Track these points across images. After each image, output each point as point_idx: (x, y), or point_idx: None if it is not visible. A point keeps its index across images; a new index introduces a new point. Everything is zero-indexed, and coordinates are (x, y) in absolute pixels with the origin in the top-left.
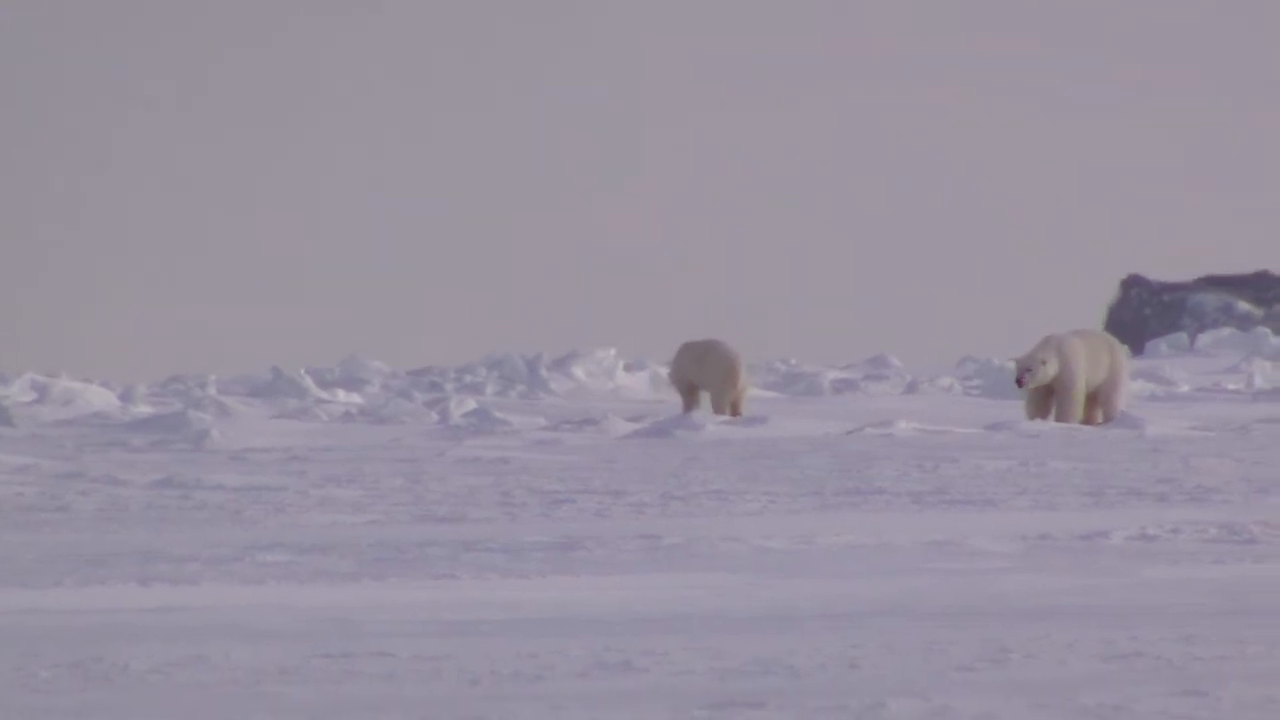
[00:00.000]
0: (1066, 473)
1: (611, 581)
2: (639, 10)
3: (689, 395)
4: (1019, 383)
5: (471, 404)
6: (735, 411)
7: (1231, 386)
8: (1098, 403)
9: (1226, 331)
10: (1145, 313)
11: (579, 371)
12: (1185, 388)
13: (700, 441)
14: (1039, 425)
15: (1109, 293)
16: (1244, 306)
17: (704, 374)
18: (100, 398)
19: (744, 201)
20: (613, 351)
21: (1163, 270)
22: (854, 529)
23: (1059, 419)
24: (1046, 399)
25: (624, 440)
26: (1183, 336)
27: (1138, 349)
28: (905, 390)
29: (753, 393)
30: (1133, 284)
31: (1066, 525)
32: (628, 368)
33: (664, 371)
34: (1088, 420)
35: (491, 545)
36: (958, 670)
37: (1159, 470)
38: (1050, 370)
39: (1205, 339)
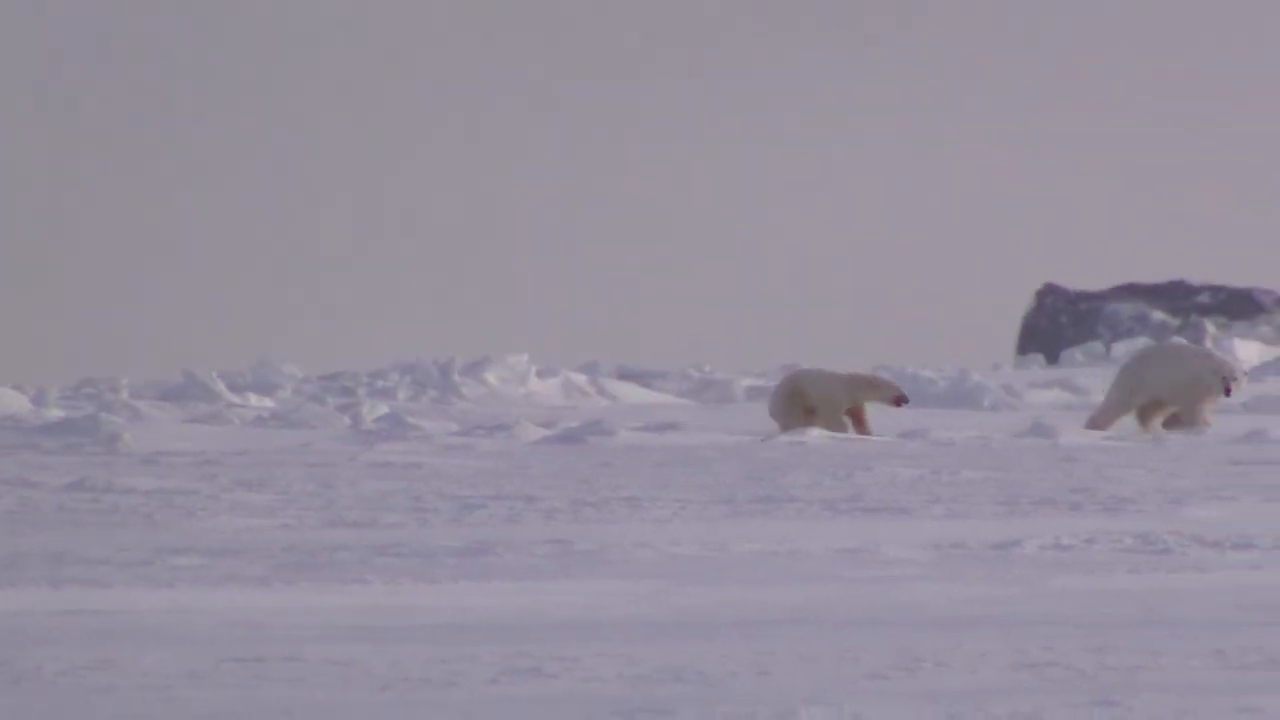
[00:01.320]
0: (980, 482)
1: (522, 587)
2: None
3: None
4: (1227, 392)
5: (383, 409)
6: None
7: None
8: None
9: (1142, 341)
10: (1060, 321)
11: (491, 377)
12: (1100, 397)
13: (612, 448)
14: (951, 434)
15: (1024, 301)
16: (1159, 316)
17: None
18: (12, 401)
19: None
20: (525, 357)
21: (1078, 279)
22: (766, 536)
23: (1189, 429)
24: (1157, 411)
25: (536, 446)
26: (1098, 345)
27: (1052, 358)
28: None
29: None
30: (1048, 293)
31: (980, 534)
32: (540, 374)
33: (579, 379)
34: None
35: (402, 550)
36: (869, 679)
37: (1073, 480)
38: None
39: (1120, 348)
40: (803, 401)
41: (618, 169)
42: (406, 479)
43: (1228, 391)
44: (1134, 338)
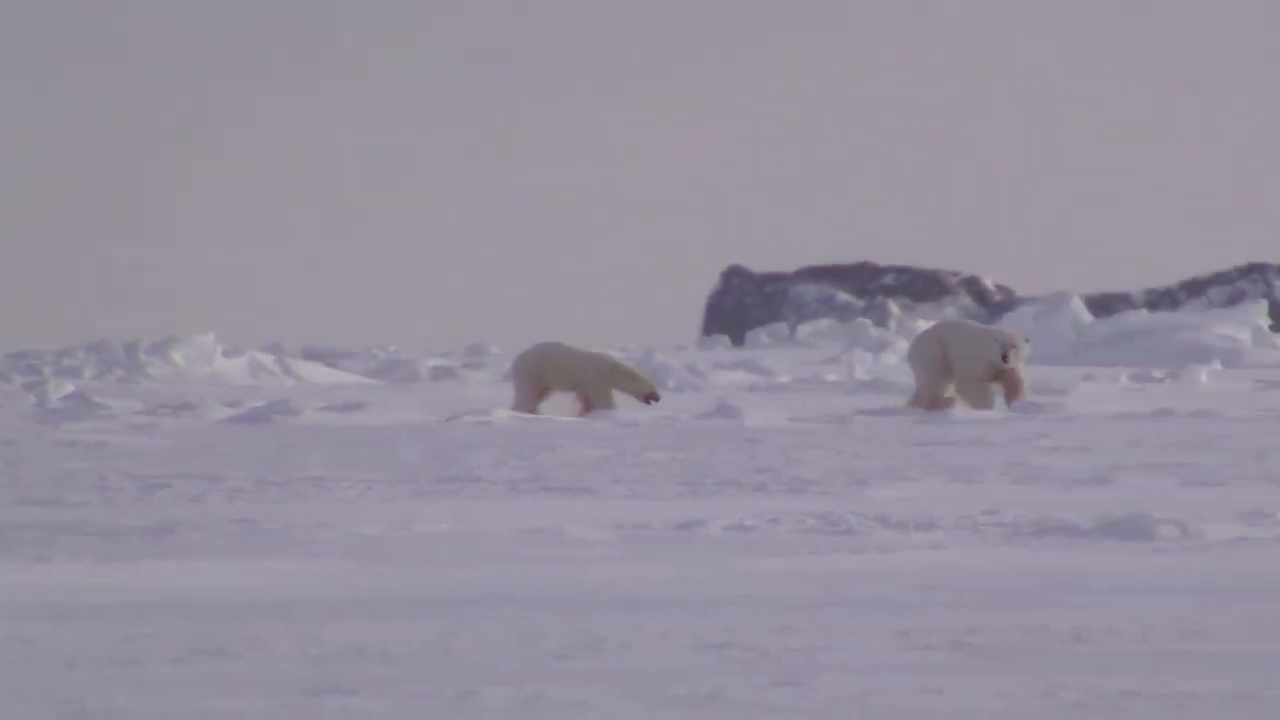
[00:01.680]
0: (664, 462)
1: (207, 567)
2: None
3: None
4: (1004, 359)
5: (69, 388)
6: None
7: (831, 378)
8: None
9: (827, 322)
10: (746, 302)
11: (177, 357)
12: (785, 378)
13: (298, 427)
14: (636, 414)
15: (710, 283)
16: (845, 297)
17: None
18: None
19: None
20: (211, 337)
21: (764, 261)
22: (451, 516)
23: (976, 406)
24: (947, 383)
25: (221, 425)
26: (783, 327)
27: (738, 339)
28: (504, 379)
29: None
30: (734, 274)
31: (663, 514)
32: (226, 353)
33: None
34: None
35: (87, 529)
36: (552, 658)
37: (757, 461)
38: (1026, 351)
39: (806, 329)
40: (556, 372)
41: (300, 150)
42: (92, 458)
43: (1005, 358)
44: (819, 319)
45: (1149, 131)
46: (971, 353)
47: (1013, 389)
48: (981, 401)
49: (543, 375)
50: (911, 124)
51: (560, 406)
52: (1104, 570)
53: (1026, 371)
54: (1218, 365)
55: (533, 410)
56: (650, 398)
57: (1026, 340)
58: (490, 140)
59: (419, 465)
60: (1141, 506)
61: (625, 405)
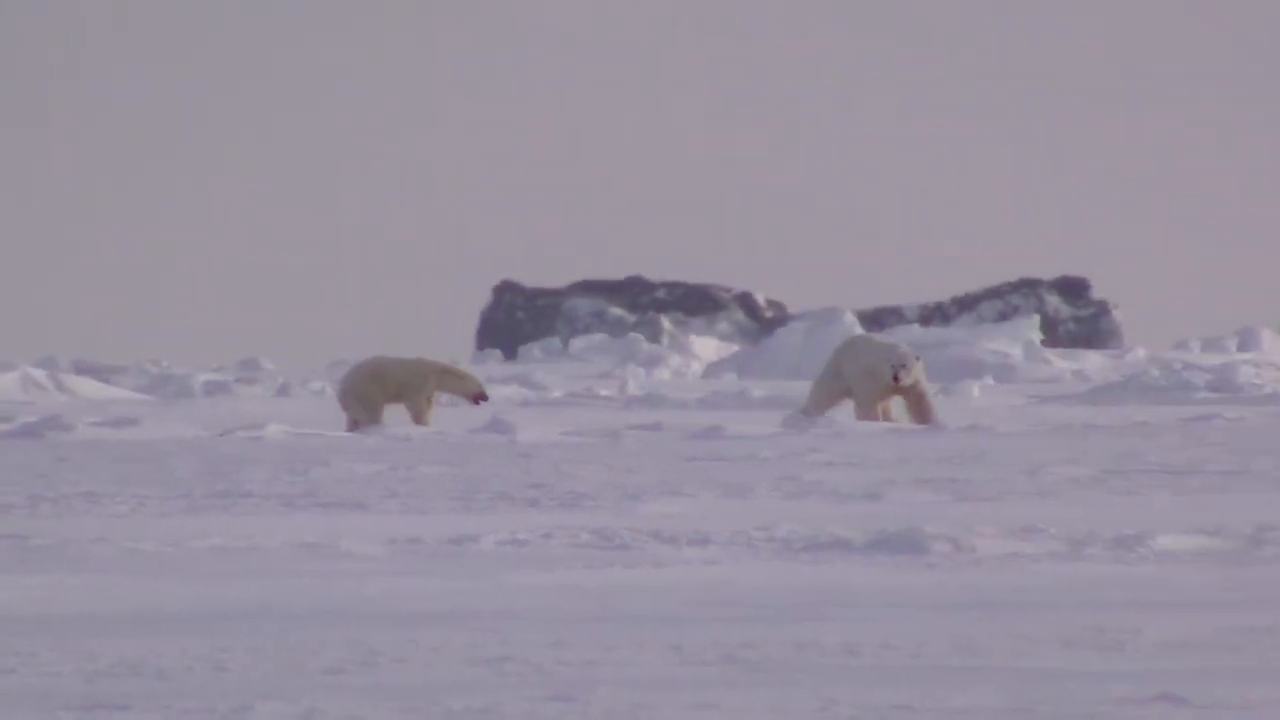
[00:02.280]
0: (437, 477)
1: None
2: None
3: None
4: (896, 380)
5: None
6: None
7: (604, 393)
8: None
9: (599, 337)
10: (518, 317)
11: None
12: (558, 393)
13: (71, 443)
14: (410, 429)
15: (482, 297)
16: (617, 312)
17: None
18: None
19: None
20: None
21: (537, 275)
22: (223, 532)
23: (919, 421)
24: (840, 400)
25: None
26: (556, 341)
27: (511, 353)
28: (277, 393)
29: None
30: (505, 289)
31: (436, 529)
32: None
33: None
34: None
35: None
36: (325, 673)
37: (530, 476)
38: (919, 370)
39: (578, 344)
40: (385, 385)
41: (68, 163)
42: None
43: (896, 379)
44: (592, 334)
45: (920, 145)
46: (864, 369)
47: (918, 410)
48: (868, 418)
49: (382, 389)
50: (684, 138)
51: (335, 423)
52: (877, 585)
53: (929, 391)
54: (990, 380)
55: (377, 423)
56: (479, 397)
57: (917, 358)
58: (261, 151)
59: (192, 480)
60: (913, 521)
61: (397, 420)
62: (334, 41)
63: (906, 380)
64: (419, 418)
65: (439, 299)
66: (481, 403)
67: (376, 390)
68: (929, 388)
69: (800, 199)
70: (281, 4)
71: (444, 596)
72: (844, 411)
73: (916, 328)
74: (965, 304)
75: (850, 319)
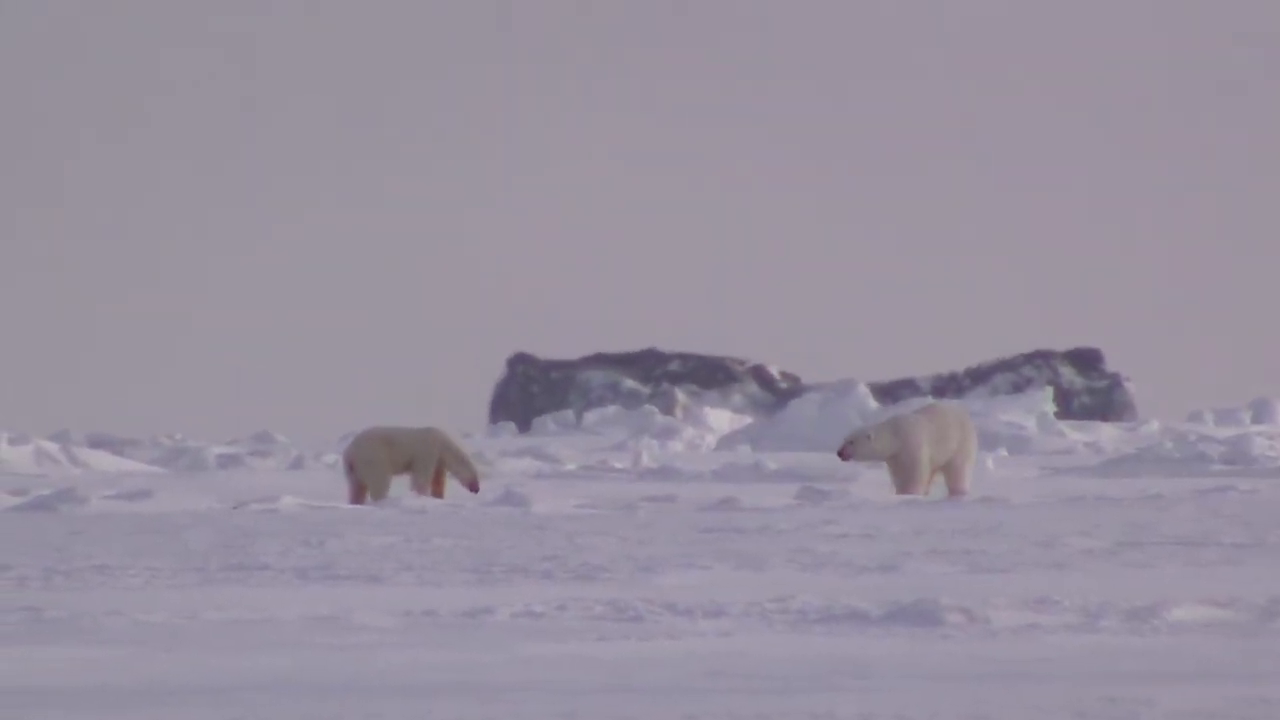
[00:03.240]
0: (450, 549)
1: None
2: None
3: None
4: (842, 455)
5: None
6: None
7: (618, 465)
8: (946, 476)
9: (613, 409)
10: (532, 390)
11: None
12: (572, 465)
13: (84, 516)
14: (424, 501)
15: (496, 369)
16: (631, 384)
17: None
18: None
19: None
20: None
21: (550, 347)
22: (238, 604)
23: (899, 491)
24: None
25: (7, 514)
26: (569, 414)
27: (524, 426)
28: (291, 466)
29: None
30: (519, 361)
31: (450, 601)
32: (11, 441)
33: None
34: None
35: None
36: None
37: (544, 548)
38: (879, 446)
39: (592, 416)
40: (394, 454)
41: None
42: None
43: (841, 454)
44: (606, 406)
45: (932, 219)
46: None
47: (952, 480)
48: (906, 487)
49: (391, 457)
50: (694, 211)
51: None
52: (892, 656)
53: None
54: (1003, 452)
55: (384, 495)
56: (474, 486)
57: (869, 437)
58: (273, 225)
59: (206, 553)
60: (929, 593)
61: (410, 492)
62: (341, 111)
63: (854, 456)
64: (423, 489)
65: (453, 372)
66: (474, 491)
67: (386, 458)
68: (914, 462)
69: (814, 272)
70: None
71: (458, 668)
72: (859, 484)
73: (930, 399)
74: (979, 375)
75: (864, 391)
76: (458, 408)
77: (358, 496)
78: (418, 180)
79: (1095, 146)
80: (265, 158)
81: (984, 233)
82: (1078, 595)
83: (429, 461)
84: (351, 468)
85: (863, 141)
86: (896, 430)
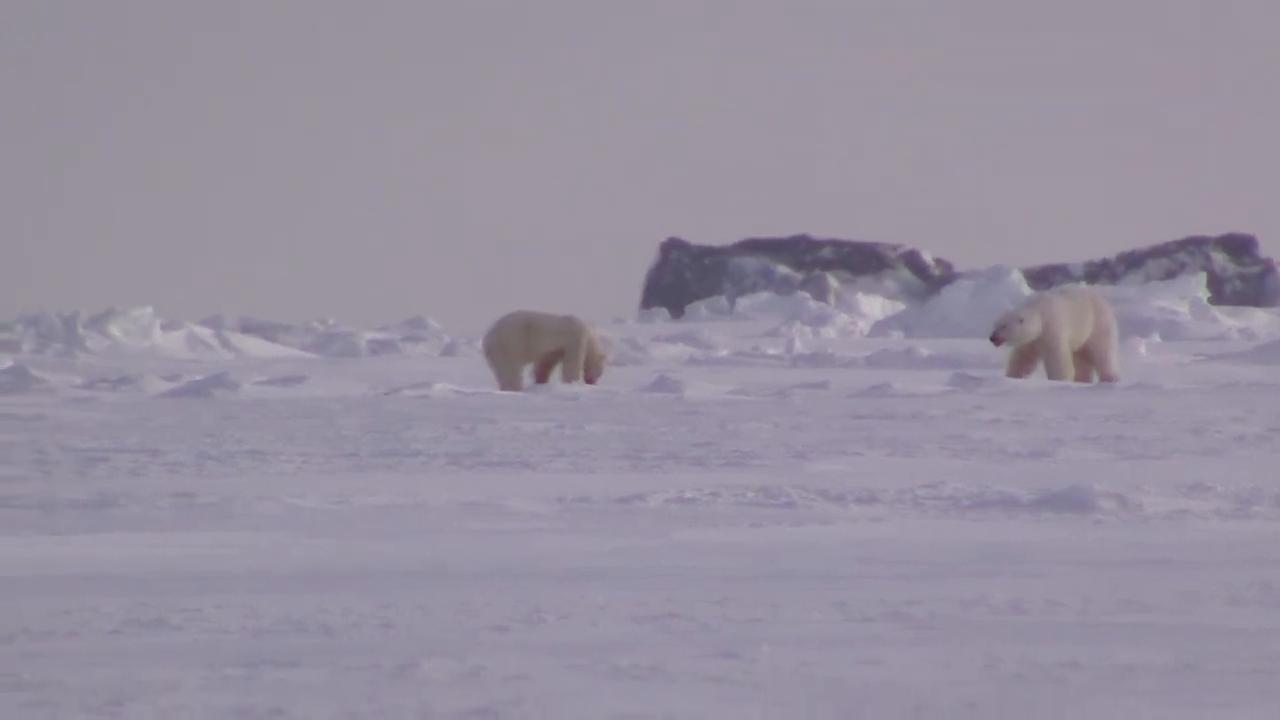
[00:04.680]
0: (603, 435)
1: (146, 539)
2: None
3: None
4: (994, 340)
5: (8, 361)
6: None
7: (771, 351)
8: (1091, 361)
9: (765, 295)
10: (685, 276)
11: (116, 330)
12: (725, 352)
13: (237, 401)
14: (576, 388)
15: (648, 256)
16: (783, 270)
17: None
18: None
19: (274, 163)
20: (149, 310)
21: (702, 233)
22: (390, 489)
23: (1050, 377)
24: (1028, 359)
25: (160, 399)
26: (722, 300)
27: (677, 312)
28: (443, 352)
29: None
30: (672, 247)
31: (603, 488)
32: (164, 327)
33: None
34: (1081, 378)
35: (25, 501)
36: (491, 630)
37: (697, 434)
38: (1030, 329)
39: (745, 303)
40: (534, 340)
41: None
42: (29, 431)
43: (993, 339)
44: (758, 292)
45: (1085, 105)
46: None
47: (1100, 366)
48: (1053, 370)
49: (530, 344)
50: (846, 98)
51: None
52: (1043, 542)
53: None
54: (1156, 338)
55: (519, 386)
56: (593, 378)
57: (1021, 320)
58: (423, 114)
59: (358, 439)
60: (1080, 479)
61: (609, 374)
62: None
63: (1007, 340)
64: (574, 374)
65: (605, 257)
66: (590, 383)
67: (522, 345)
68: (1056, 345)
69: (967, 158)
70: None
71: (610, 555)
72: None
73: (1083, 285)
74: (1131, 261)
75: (1017, 277)
76: (611, 293)
77: (501, 383)
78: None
79: (1249, 33)
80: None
81: (1138, 119)
82: (1230, 481)
83: (575, 349)
84: (489, 354)
85: (1016, 29)
86: (1044, 311)
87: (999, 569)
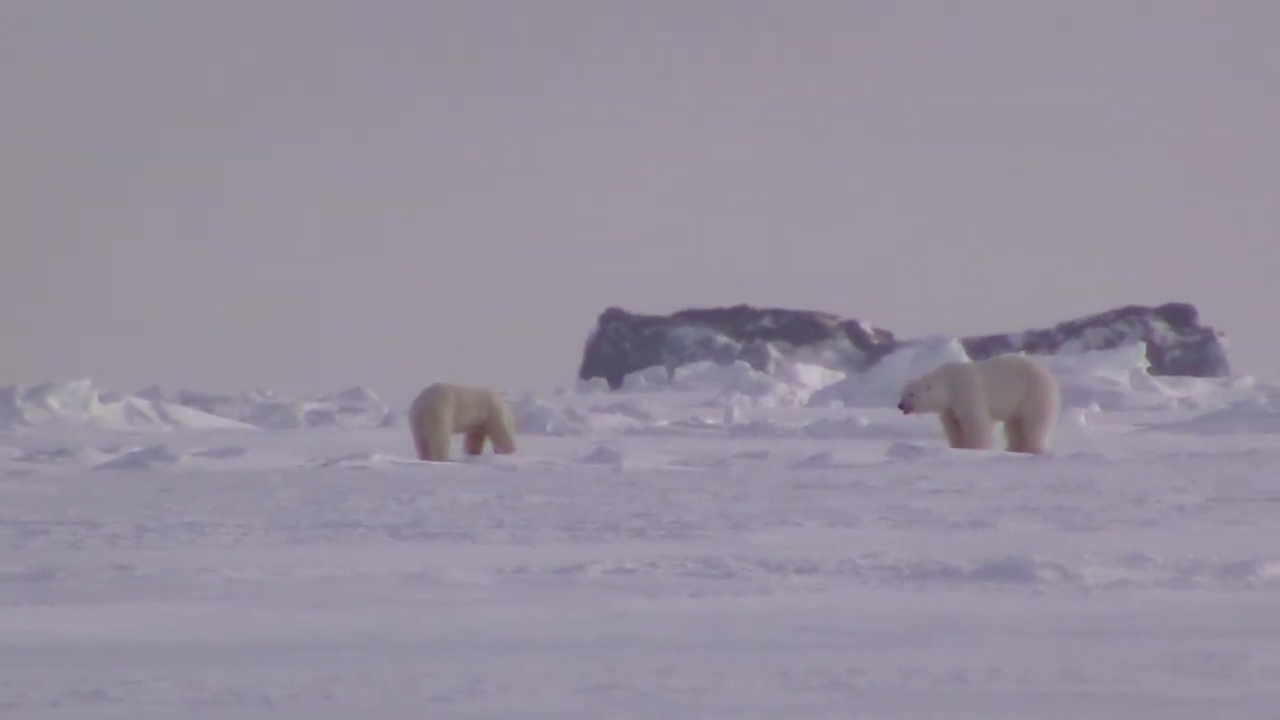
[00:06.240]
0: (542, 506)
1: (85, 611)
2: None
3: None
4: (903, 407)
5: None
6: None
7: (710, 421)
8: (1021, 431)
9: (705, 365)
10: (624, 346)
11: (54, 402)
12: (664, 422)
13: (176, 473)
14: (517, 459)
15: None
16: (723, 340)
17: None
18: None
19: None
20: (88, 383)
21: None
22: (330, 561)
23: (966, 445)
24: (958, 428)
25: (98, 471)
26: (661, 370)
27: (616, 382)
28: (382, 423)
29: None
30: (611, 317)
31: (542, 558)
32: (103, 399)
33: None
34: (1016, 448)
35: None
36: (432, 701)
37: (636, 505)
38: (937, 396)
39: (684, 372)
40: (461, 411)
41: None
42: None
43: (901, 408)
44: (698, 362)
45: (1025, 175)
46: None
47: (1027, 439)
48: (970, 440)
49: (458, 415)
50: (787, 166)
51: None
52: (984, 612)
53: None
54: (1096, 408)
55: (446, 456)
56: (507, 451)
57: (928, 387)
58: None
59: (297, 510)
60: (1021, 549)
61: (508, 450)
62: (427, 69)
63: (915, 408)
64: (507, 445)
65: (543, 328)
66: (505, 454)
67: (452, 415)
68: (969, 414)
69: (906, 228)
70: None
71: (551, 625)
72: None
73: (1023, 355)
74: (1071, 331)
75: (956, 347)
76: (550, 363)
77: (424, 452)
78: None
79: (1188, 103)
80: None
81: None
82: (1171, 552)
83: (500, 418)
84: (419, 424)
85: (955, 97)
86: (952, 380)
87: (940, 639)
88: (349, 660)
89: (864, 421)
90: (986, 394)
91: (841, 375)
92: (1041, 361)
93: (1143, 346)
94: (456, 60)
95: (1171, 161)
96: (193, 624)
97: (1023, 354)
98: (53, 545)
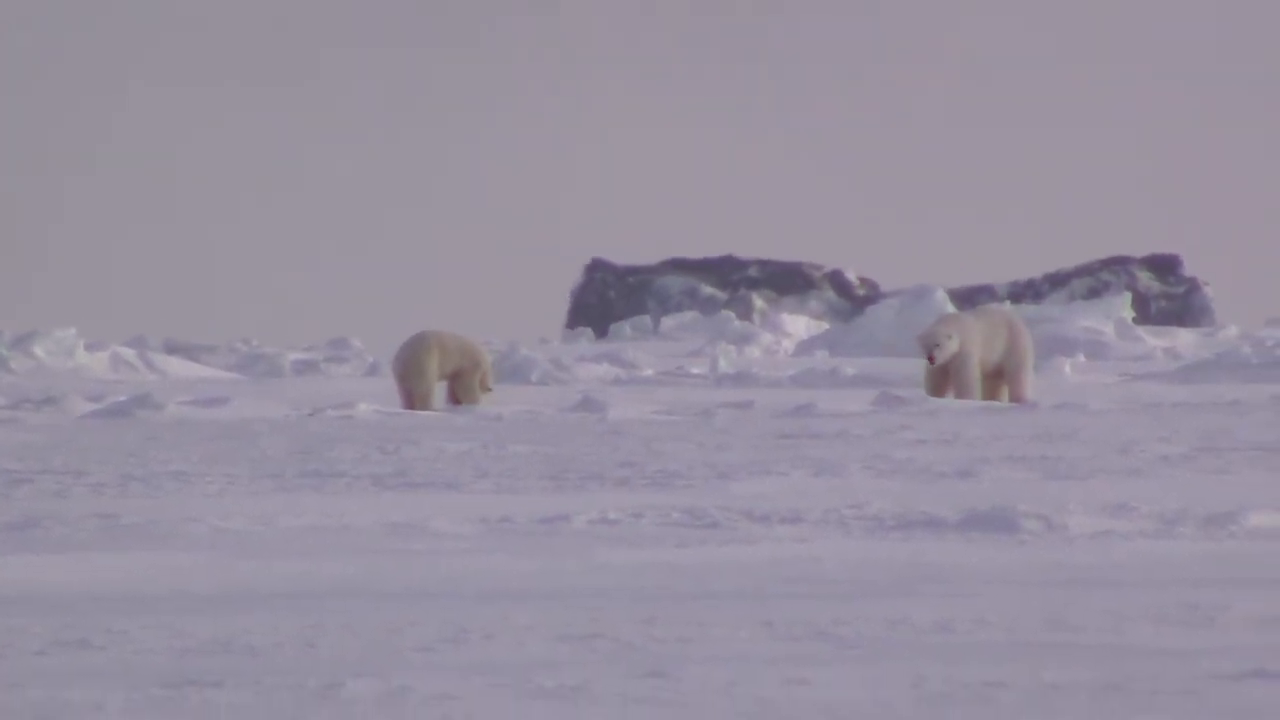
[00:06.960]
0: (527, 456)
1: (70, 560)
2: None
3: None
4: (931, 360)
5: None
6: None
7: (695, 370)
8: (1003, 381)
9: (690, 315)
10: (609, 295)
11: (39, 351)
12: (649, 371)
13: (160, 422)
14: (503, 409)
15: (573, 275)
16: (708, 290)
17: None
18: None
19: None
20: (73, 331)
21: (627, 253)
22: (314, 510)
23: (957, 396)
24: (945, 378)
25: (84, 420)
26: (646, 320)
27: (601, 332)
28: (367, 372)
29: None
30: (596, 267)
31: (527, 508)
32: (88, 347)
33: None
34: (991, 398)
35: None
36: (416, 650)
37: (620, 454)
38: (953, 346)
39: (669, 322)
40: (445, 360)
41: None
42: None
43: (929, 358)
44: (683, 312)
45: (1010, 123)
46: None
47: (1011, 388)
48: (962, 390)
49: (441, 363)
50: (772, 115)
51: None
52: (969, 562)
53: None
54: (1081, 358)
55: (431, 406)
56: (472, 401)
57: (950, 337)
58: (350, 130)
59: (282, 459)
60: (1006, 499)
61: (489, 398)
62: (421, 25)
63: (941, 359)
64: (470, 395)
65: (529, 277)
66: (458, 404)
67: (436, 364)
68: (965, 365)
69: (891, 177)
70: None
71: (535, 575)
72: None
73: (1008, 304)
74: (1056, 281)
75: (942, 296)
76: (535, 313)
77: (409, 402)
78: (493, 87)
79: (1174, 51)
80: (337, 69)
81: (1062, 139)
82: (1155, 502)
83: (474, 371)
84: (404, 374)
85: (939, 45)
86: (960, 330)
87: (924, 589)
88: (333, 609)
89: (849, 371)
90: (980, 345)
91: (826, 325)
92: (1022, 312)
93: (1128, 296)
94: (441, 12)
95: (1157, 112)
96: (178, 573)
97: (1007, 304)
98: (38, 494)
